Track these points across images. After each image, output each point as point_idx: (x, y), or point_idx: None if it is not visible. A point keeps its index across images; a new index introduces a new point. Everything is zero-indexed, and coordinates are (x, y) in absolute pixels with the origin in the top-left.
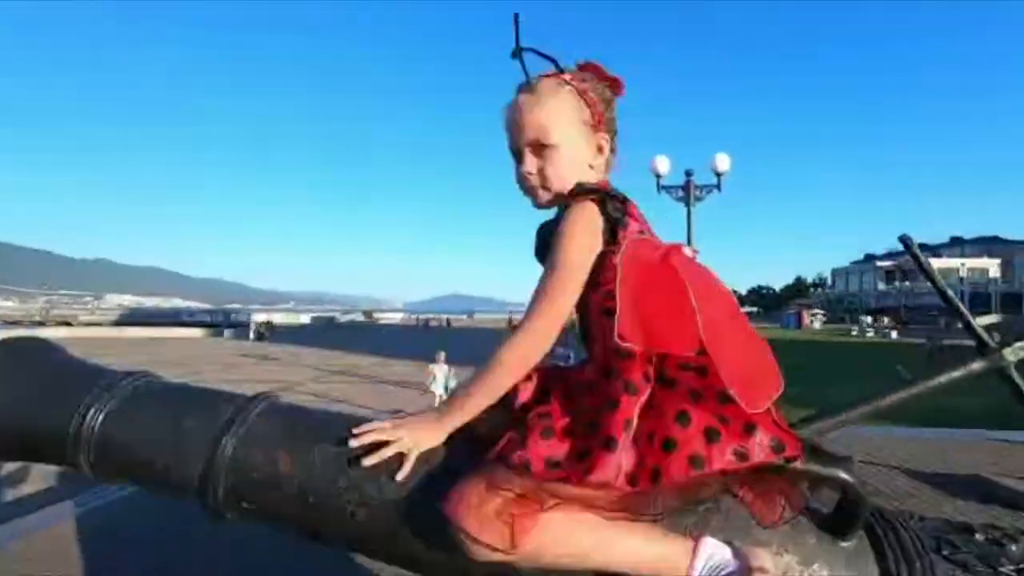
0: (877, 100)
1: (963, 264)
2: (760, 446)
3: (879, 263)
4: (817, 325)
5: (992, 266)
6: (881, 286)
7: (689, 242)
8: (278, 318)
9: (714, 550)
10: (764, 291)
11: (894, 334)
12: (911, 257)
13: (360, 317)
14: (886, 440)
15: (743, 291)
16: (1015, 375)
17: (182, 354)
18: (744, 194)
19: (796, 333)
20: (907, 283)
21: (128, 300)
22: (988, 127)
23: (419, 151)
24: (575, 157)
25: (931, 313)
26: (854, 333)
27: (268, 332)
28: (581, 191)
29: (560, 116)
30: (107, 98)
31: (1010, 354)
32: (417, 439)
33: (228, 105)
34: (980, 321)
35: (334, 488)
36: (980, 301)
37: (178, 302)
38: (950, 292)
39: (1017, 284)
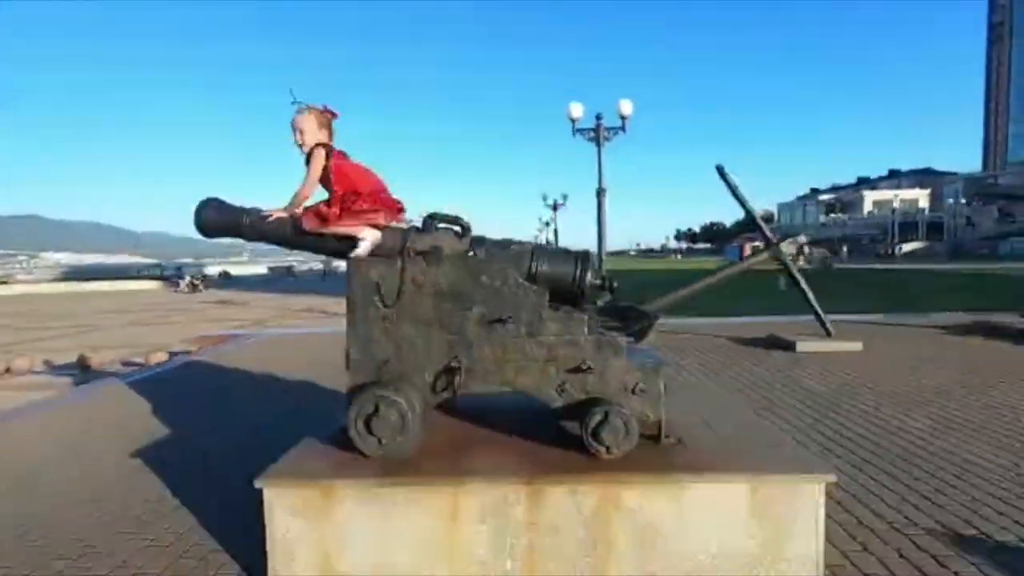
0: (816, 36)
1: (896, 195)
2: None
3: (821, 197)
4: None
5: (922, 197)
6: (822, 218)
7: (600, 175)
8: (235, 269)
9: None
10: (716, 227)
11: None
12: (724, 183)
13: (319, 266)
14: (725, 323)
15: (697, 228)
16: (787, 262)
17: (147, 302)
18: (698, 135)
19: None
20: (843, 215)
21: (66, 257)
22: (928, 61)
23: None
24: (313, 135)
25: (863, 242)
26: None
27: (202, 283)
28: (317, 145)
29: (307, 122)
30: (25, 41)
31: (784, 247)
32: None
33: (156, 54)
34: (905, 248)
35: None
36: (910, 228)
37: (124, 258)
38: (750, 205)
39: (942, 213)
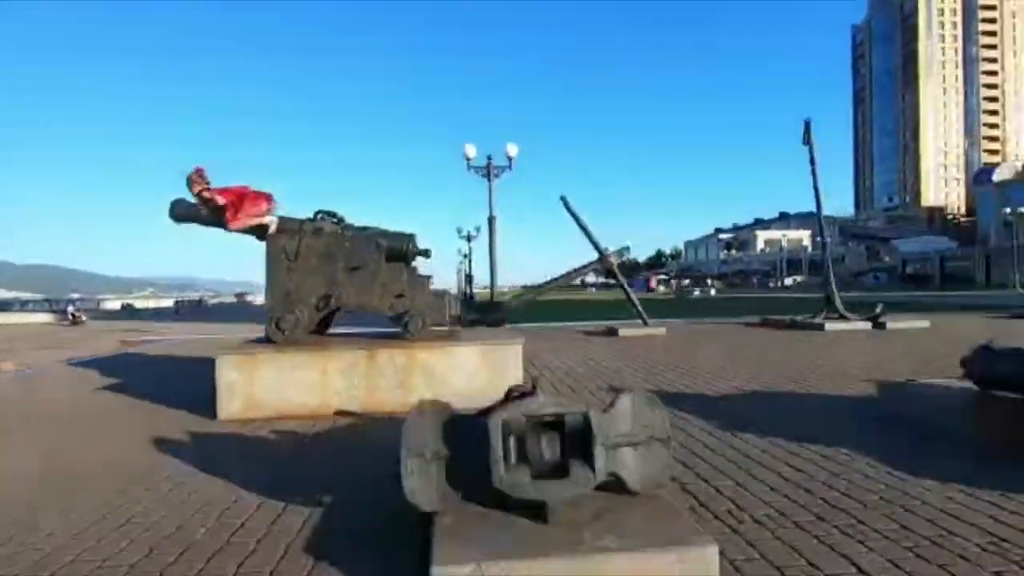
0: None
1: (784, 236)
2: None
3: (721, 236)
4: (662, 288)
5: (805, 236)
6: (722, 255)
7: (491, 206)
8: (140, 303)
9: None
10: (629, 263)
11: (713, 292)
12: (568, 212)
13: (231, 299)
14: (579, 324)
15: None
16: (616, 271)
17: (46, 332)
18: (618, 175)
19: (640, 295)
20: (739, 252)
21: None
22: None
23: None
24: (196, 187)
25: (759, 276)
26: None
27: (82, 315)
28: (201, 190)
29: (192, 182)
30: None
31: (612, 257)
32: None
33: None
34: (788, 280)
35: None
36: (795, 264)
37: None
38: (596, 238)
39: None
